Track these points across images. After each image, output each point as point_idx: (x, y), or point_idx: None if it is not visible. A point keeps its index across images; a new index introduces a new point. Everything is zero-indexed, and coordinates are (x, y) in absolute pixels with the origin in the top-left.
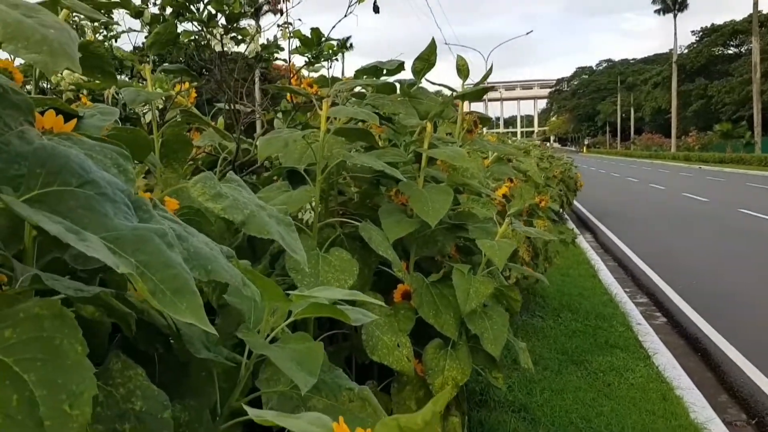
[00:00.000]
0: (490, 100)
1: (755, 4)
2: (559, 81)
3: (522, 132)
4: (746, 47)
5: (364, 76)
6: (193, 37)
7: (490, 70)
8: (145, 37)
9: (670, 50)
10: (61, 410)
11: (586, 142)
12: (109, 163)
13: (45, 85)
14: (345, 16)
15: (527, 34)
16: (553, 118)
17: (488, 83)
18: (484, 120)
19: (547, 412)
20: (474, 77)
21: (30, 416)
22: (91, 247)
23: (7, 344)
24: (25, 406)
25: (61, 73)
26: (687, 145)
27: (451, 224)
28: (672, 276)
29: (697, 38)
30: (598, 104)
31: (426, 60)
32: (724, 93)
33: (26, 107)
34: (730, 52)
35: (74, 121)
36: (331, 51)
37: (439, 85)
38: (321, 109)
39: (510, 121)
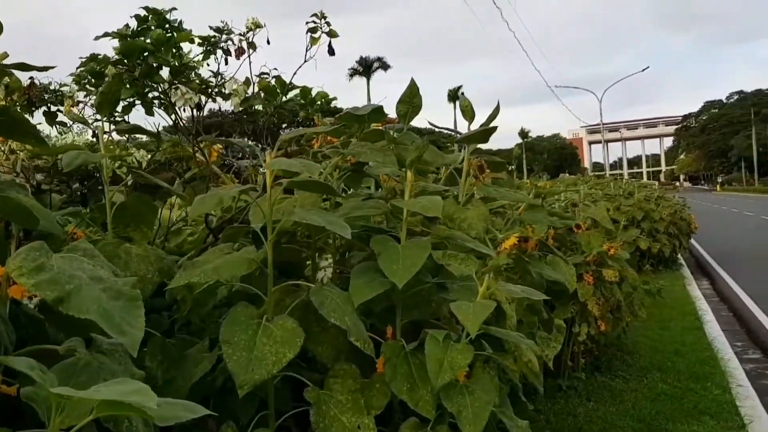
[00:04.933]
0: (609, 141)
1: None
2: (686, 117)
3: (649, 172)
4: None
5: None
6: (140, 95)
7: (497, 110)
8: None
9: None
10: None
11: (719, 180)
12: None
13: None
14: (305, 61)
15: (643, 70)
16: (682, 156)
17: (606, 123)
18: (496, 165)
19: None
20: (589, 120)
21: None
22: None
23: None
24: None
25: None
26: None
27: (434, 283)
28: None
29: None
30: (730, 139)
31: (409, 103)
32: None
33: None
34: None
35: None
36: (324, 100)
37: (442, 128)
38: (265, 162)
39: (635, 161)
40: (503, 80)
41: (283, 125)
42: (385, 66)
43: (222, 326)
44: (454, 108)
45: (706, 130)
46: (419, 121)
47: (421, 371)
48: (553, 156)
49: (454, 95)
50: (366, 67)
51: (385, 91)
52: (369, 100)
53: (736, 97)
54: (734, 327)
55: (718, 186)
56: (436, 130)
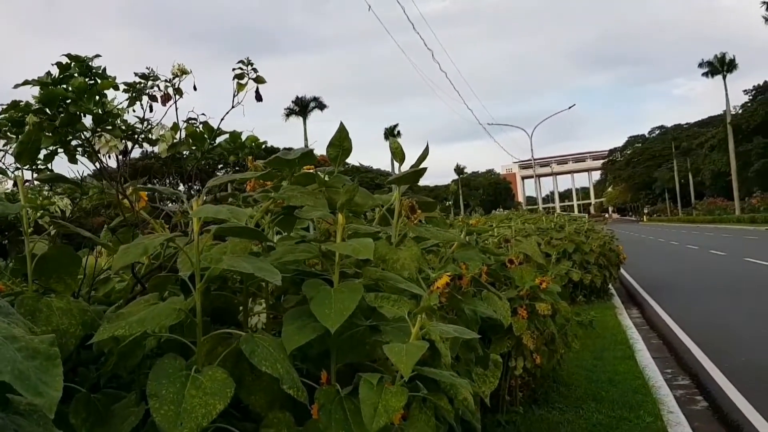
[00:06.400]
0: (540, 175)
1: None
2: (612, 151)
3: (579, 205)
4: None
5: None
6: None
7: (426, 151)
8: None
9: (724, 111)
10: None
11: (645, 211)
12: None
13: None
14: (232, 107)
15: (569, 108)
16: (610, 189)
17: (537, 159)
18: (428, 205)
19: None
20: (520, 155)
21: None
22: None
23: None
24: None
25: None
26: (752, 207)
27: (368, 325)
28: (720, 353)
29: (750, 97)
30: (654, 172)
31: (339, 146)
32: None
33: None
34: None
35: None
36: (254, 145)
37: (375, 169)
38: (191, 209)
39: (566, 195)
40: (438, 118)
41: (219, 166)
42: (321, 106)
43: (149, 379)
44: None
45: (631, 163)
46: (366, 160)
47: (356, 416)
48: (489, 191)
49: (390, 133)
50: (302, 107)
51: (322, 130)
52: (306, 139)
53: (657, 132)
54: (664, 354)
55: (644, 217)
56: (374, 168)
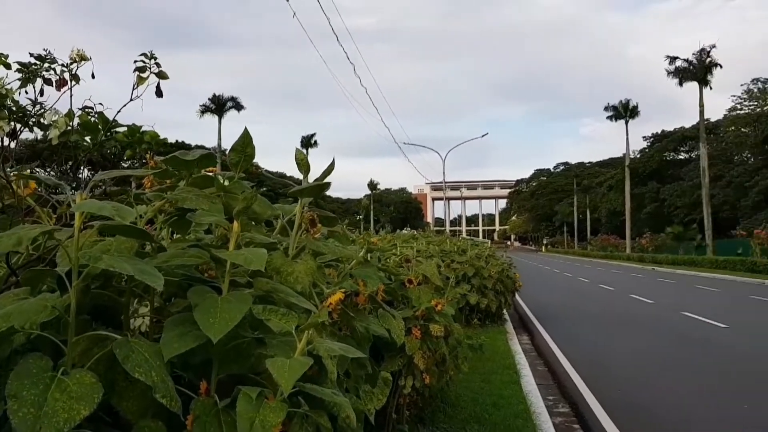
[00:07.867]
0: (450, 198)
1: (701, 112)
2: (519, 182)
3: (484, 231)
4: (696, 153)
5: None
6: None
7: (332, 166)
8: None
9: (624, 154)
10: None
11: (545, 242)
12: None
13: None
14: (131, 100)
15: (483, 136)
16: (514, 218)
17: (448, 182)
18: (328, 220)
19: None
20: (432, 177)
21: None
22: None
23: None
24: None
25: None
26: (641, 247)
27: (254, 337)
28: (599, 383)
29: (649, 143)
30: (555, 205)
31: (241, 152)
32: (676, 196)
33: None
34: (680, 157)
35: None
36: (154, 141)
37: (279, 179)
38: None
39: (472, 219)
40: (355, 132)
41: (124, 157)
42: (239, 106)
43: (10, 378)
44: (307, 154)
45: (535, 195)
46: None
47: (232, 430)
48: (400, 209)
49: (307, 142)
50: (219, 106)
51: (239, 131)
52: (220, 138)
53: (561, 167)
54: (548, 381)
55: (543, 247)
56: (288, 175)
